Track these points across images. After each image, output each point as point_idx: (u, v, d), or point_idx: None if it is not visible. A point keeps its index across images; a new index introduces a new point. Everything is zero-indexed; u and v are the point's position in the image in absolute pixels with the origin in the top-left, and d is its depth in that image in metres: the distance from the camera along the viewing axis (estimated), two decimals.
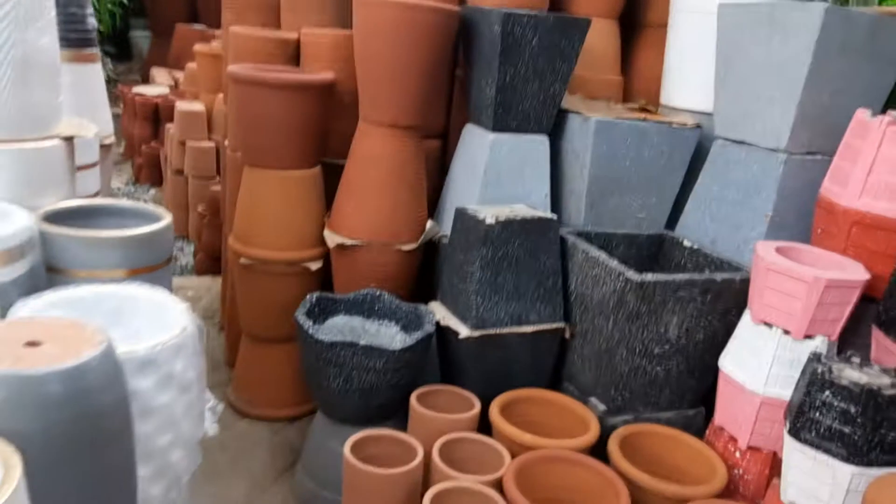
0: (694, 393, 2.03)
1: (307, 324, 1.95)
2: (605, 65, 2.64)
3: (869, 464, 1.49)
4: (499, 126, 2.21)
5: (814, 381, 1.57)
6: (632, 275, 1.81)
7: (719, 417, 1.89)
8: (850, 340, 1.81)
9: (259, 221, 2.33)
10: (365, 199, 2.23)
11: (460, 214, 2.10)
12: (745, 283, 1.86)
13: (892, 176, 1.71)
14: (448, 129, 2.60)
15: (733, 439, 1.83)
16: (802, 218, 2.00)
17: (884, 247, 1.74)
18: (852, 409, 1.50)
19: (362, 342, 1.88)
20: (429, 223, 2.31)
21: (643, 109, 2.57)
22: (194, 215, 4.06)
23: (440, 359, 2.16)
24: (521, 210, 2.09)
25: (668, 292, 1.83)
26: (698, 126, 2.28)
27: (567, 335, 2.09)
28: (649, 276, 1.81)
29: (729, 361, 1.84)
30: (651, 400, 1.98)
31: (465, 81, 2.39)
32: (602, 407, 1.97)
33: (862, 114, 1.83)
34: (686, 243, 2.19)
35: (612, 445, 1.79)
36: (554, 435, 1.88)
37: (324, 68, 2.40)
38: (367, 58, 2.16)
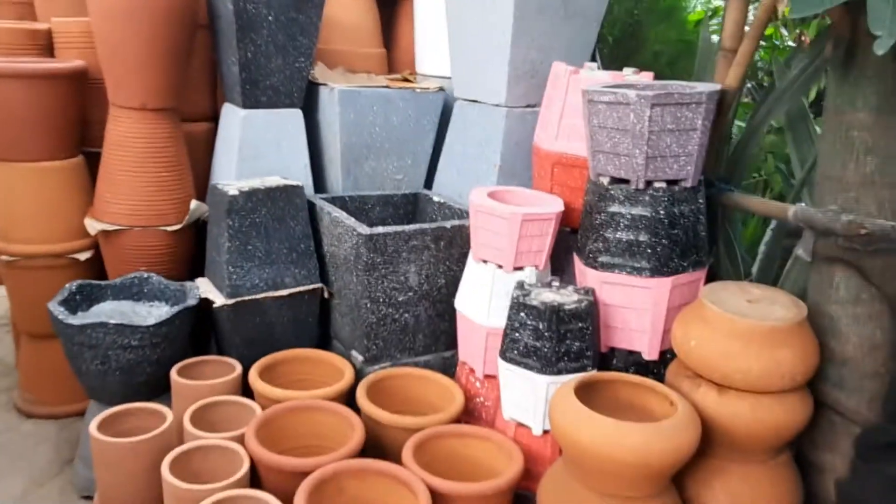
0: (448, 335, 2.20)
1: (58, 311, 1.97)
2: (364, 38, 2.77)
3: (558, 372, 1.70)
4: (249, 103, 2.28)
5: (513, 305, 1.75)
6: (362, 229, 1.94)
7: (461, 353, 2.06)
8: (566, 269, 2.02)
9: (17, 216, 2.30)
10: (122, 184, 2.25)
11: (212, 190, 2.17)
12: None
13: (578, 119, 1.92)
14: (218, 112, 2.65)
15: (472, 371, 2.01)
16: (527, 166, 2.20)
17: (579, 182, 1.95)
18: (541, 326, 1.69)
19: (113, 321, 1.92)
20: (193, 203, 2.36)
21: (405, 80, 2.72)
22: None
23: (213, 331, 2.22)
24: (270, 180, 2.18)
25: (400, 243, 1.98)
26: (441, 90, 2.45)
27: (326, 295, 2.20)
28: (379, 229, 1.95)
29: (461, 300, 2.01)
30: (406, 346, 2.13)
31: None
32: (360, 358, 2.10)
33: (557, 66, 2.04)
34: (436, 199, 2.35)
35: (360, 390, 1.92)
36: (316, 389, 2.00)
37: (78, 58, 2.39)
38: (104, 42, 2.18)
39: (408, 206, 2.42)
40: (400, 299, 2.05)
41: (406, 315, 2.08)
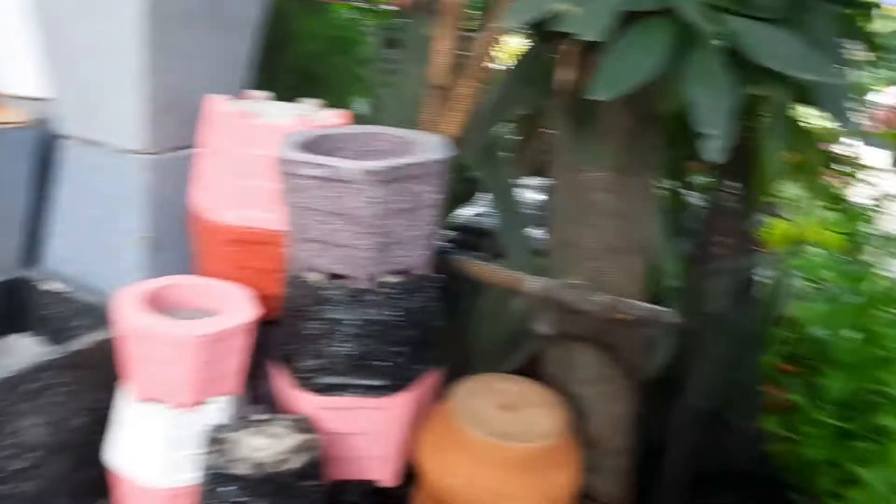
0: (95, 485, 1.54)
1: None
2: None
3: None
4: None
5: (210, 473, 1.21)
6: None
7: None
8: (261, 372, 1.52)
9: None
10: None
11: None
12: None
13: (261, 179, 1.40)
14: None
15: None
16: (186, 233, 1.61)
17: (269, 263, 1.45)
18: (258, 502, 1.19)
19: None
20: None
21: None
22: None
23: None
24: None
25: (9, 391, 1.27)
26: (39, 123, 1.68)
27: None
28: None
29: (116, 454, 1.38)
30: None
31: None
32: None
33: (214, 103, 1.48)
34: (48, 287, 1.62)
35: None
36: None
37: None
38: None
39: (3, 300, 1.63)
40: (16, 468, 1.34)
41: (29, 484, 1.37)
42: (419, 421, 1.40)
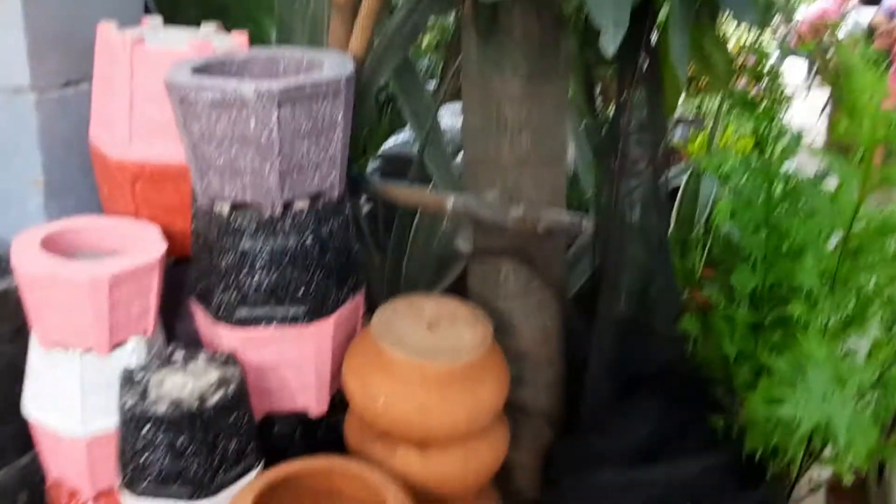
0: (18, 439, 1.49)
1: None
2: None
3: (217, 490, 1.21)
4: None
5: (128, 416, 1.19)
6: None
7: (53, 470, 1.40)
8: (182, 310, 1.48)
9: None
10: None
11: None
12: None
13: (158, 111, 1.33)
14: None
15: (75, 494, 1.39)
16: (85, 171, 1.53)
17: (177, 199, 1.39)
18: (180, 440, 1.17)
19: None
20: None
21: None
22: None
23: None
24: None
25: None
26: None
27: None
28: None
29: (33, 405, 1.34)
30: None
31: None
32: None
33: (107, 31, 1.39)
34: None
35: None
36: None
37: None
38: None
39: None
40: None
41: None
42: (344, 347, 1.39)
